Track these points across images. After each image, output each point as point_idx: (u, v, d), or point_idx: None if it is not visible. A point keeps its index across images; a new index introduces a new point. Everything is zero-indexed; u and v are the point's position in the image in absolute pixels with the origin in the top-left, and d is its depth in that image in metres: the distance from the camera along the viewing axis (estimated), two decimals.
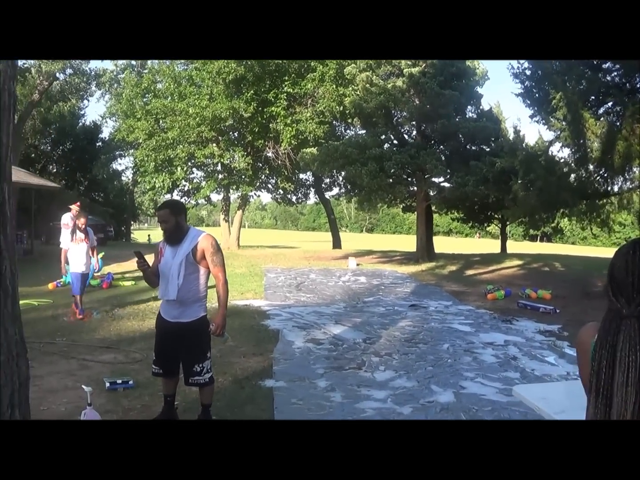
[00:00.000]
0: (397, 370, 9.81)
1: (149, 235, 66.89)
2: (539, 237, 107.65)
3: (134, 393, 8.25)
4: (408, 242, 47.35)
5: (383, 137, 33.75)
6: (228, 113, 36.96)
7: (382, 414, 7.63)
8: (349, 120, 38.90)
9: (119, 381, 8.48)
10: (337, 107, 37.90)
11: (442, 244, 51.89)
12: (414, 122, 34.21)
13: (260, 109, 38.28)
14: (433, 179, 33.52)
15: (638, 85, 20.60)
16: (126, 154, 52.22)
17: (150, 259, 6.86)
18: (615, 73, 19.46)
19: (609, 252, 52.99)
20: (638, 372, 2.19)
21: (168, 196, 43.73)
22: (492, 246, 54.36)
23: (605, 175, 19.96)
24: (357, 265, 29.22)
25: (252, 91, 37.27)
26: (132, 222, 72.26)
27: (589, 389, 2.38)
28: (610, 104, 20.95)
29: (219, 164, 41.94)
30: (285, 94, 38.26)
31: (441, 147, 34.33)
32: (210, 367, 6.85)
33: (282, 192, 47.43)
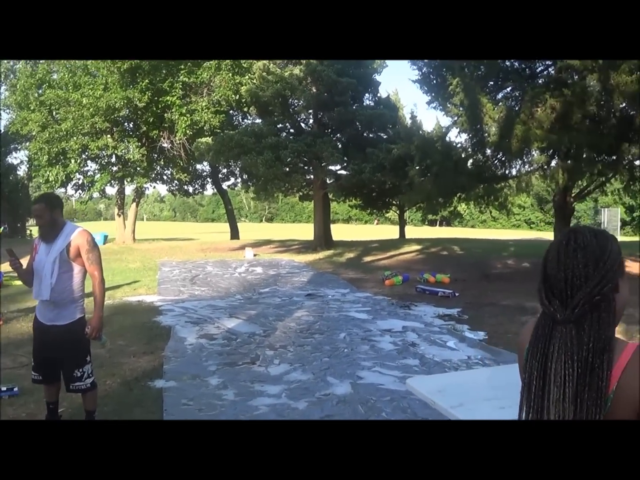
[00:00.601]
0: (292, 363, 9.47)
1: (30, 231, 64.03)
2: (438, 222, 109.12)
3: (19, 400, 7.69)
4: (307, 231, 47.31)
5: (279, 125, 33.85)
6: (122, 103, 36.09)
7: (276, 410, 7.29)
8: (245, 109, 38.55)
9: (4, 388, 7.93)
10: (233, 96, 37.40)
11: (341, 232, 52.08)
12: (310, 111, 34.20)
13: (155, 98, 37.43)
14: (330, 167, 33.74)
15: (538, 70, 20.93)
16: (20, 148, 51.08)
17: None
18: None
19: (508, 235, 54.40)
20: (575, 386, 1.92)
21: (62, 190, 42.81)
22: (391, 232, 54.69)
23: (503, 159, 20.13)
24: (254, 255, 29.17)
25: (147, 80, 36.32)
26: (27, 218, 70.28)
27: (520, 400, 2.11)
28: (509, 89, 21.18)
29: (113, 156, 40.81)
30: (180, 83, 37.53)
31: (338, 135, 34.57)
32: (92, 372, 6.42)
33: (177, 183, 46.71)
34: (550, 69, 20.07)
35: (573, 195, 22.23)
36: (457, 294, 16.49)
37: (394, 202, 41.50)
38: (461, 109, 18.71)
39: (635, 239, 62.10)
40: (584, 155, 17.70)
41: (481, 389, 4.55)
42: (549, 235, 57.15)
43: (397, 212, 46.23)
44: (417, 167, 21.47)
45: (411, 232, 51.36)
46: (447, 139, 21.72)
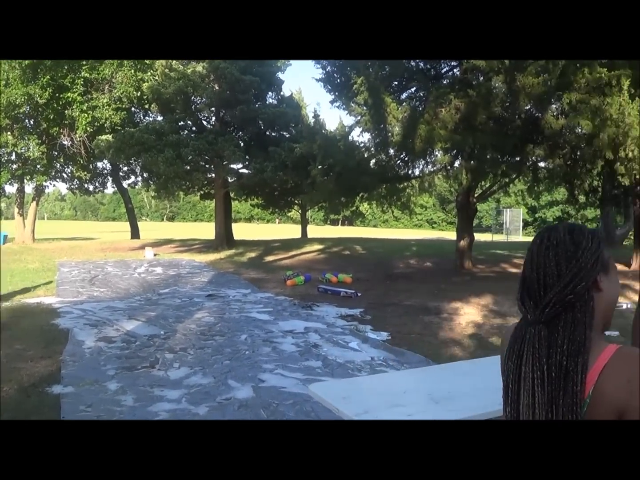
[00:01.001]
0: (192, 367, 9.23)
1: None
2: (340, 221, 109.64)
3: None
4: (208, 230, 46.98)
5: (181, 123, 33.53)
6: (23, 99, 34.99)
7: (176, 416, 7.06)
8: (147, 107, 38.04)
9: None
10: (134, 92, 36.67)
11: (243, 231, 51.95)
12: (213, 108, 34.01)
13: (56, 95, 36.31)
14: (231, 166, 33.56)
15: (443, 71, 21.08)
16: None
17: None
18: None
19: (410, 234, 55.01)
20: (545, 391, 1.84)
21: None
22: (293, 231, 54.78)
23: (406, 159, 20.15)
24: (155, 255, 28.77)
25: (48, 76, 35.22)
26: None
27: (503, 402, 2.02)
28: (413, 89, 21.24)
29: (13, 154, 39.63)
30: (82, 79, 36.53)
31: (240, 133, 34.45)
32: None
33: (78, 181, 45.62)
34: (455, 70, 20.23)
35: (476, 195, 22.45)
36: (359, 294, 16.45)
37: (296, 201, 41.49)
38: (365, 108, 18.64)
39: None
40: (488, 156, 17.82)
41: (386, 394, 4.41)
42: (450, 235, 57.78)
43: (299, 211, 46.25)
44: (320, 167, 21.39)
45: (313, 231, 51.58)
46: (350, 138, 21.72)
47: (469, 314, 13.63)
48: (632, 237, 45.65)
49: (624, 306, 13.28)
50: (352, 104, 19.19)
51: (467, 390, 4.47)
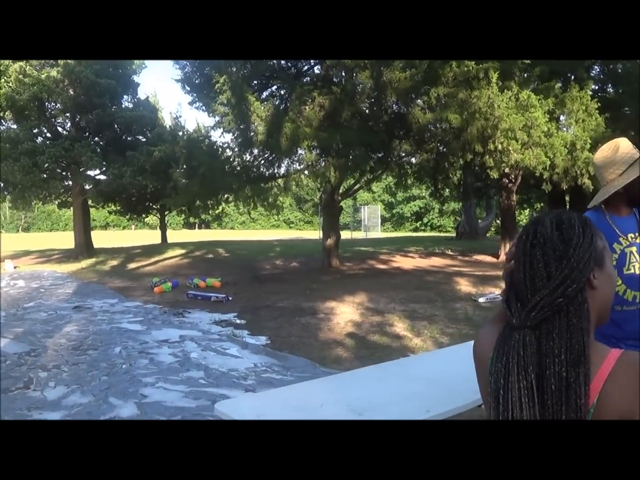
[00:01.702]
0: (69, 385, 8.63)
1: None
2: (197, 225, 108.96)
3: None
4: (66, 239, 45.82)
5: (36, 130, 32.32)
6: None
7: None
8: (1, 115, 36.71)
9: None
10: None
11: (101, 239, 50.75)
12: (68, 114, 32.93)
13: None
14: (89, 172, 32.71)
15: (304, 69, 21.09)
16: None
17: None
18: None
19: (269, 235, 54.85)
20: (544, 405, 1.63)
21: None
22: (151, 237, 54.09)
23: (271, 158, 19.98)
24: (15, 268, 27.63)
25: None
26: None
27: (488, 409, 1.78)
28: (275, 87, 21.22)
29: None
30: None
31: (97, 138, 33.62)
32: None
33: None
34: (316, 67, 20.22)
35: (340, 193, 22.49)
36: (230, 298, 16.18)
37: (154, 206, 40.91)
38: (228, 108, 18.37)
39: (395, 234, 64.52)
40: (356, 153, 17.80)
41: (304, 409, 4.16)
42: (308, 234, 58.11)
43: (158, 216, 45.58)
44: (183, 169, 21.06)
45: (172, 236, 50.92)
46: (213, 139, 21.54)
47: (345, 313, 13.51)
48: (493, 229, 47.14)
49: (500, 297, 13.47)
50: (214, 104, 18.90)
51: (387, 398, 4.24)
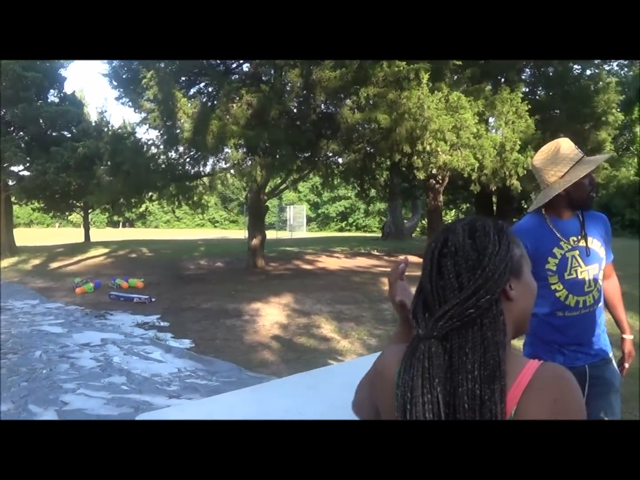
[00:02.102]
0: None
1: None
2: (121, 223, 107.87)
3: None
4: None
5: None
6: None
7: None
8: None
9: None
10: None
11: (24, 237, 49.86)
12: None
13: None
14: (12, 168, 31.83)
15: (233, 66, 20.90)
16: None
17: None
18: None
19: (194, 234, 54.47)
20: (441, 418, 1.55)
21: None
22: (74, 235, 53.20)
23: (197, 156, 19.75)
24: None
25: None
26: None
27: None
28: (203, 84, 21.05)
29: None
30: None
31: (21, 133, 32.93)
32: None
33: None
34: (245, 65, 20.07)
35: (266, 192, 22.35)
36: (153, 300, 15.89)
37: (78, 203, 40.23)
38: (154, 104, 18.07)
39: (321, 234, 64.59)
40: (283, 152, 17.66)
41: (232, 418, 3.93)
42: (233, 233, 57.92)
43: (82, 214, 44.85)
44: (107, 166, 20.73)
45: (95, 234, 50.20)
46: (139, 135, 21.25)
47: (271, 315, 13.35)
48: (419, 230, 47.47)
49: None
50: (141, 100, 18.59)
51: (318, 408, 4.06)
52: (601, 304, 3.83)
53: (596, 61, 22.86)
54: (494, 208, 25.64)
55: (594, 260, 3.74)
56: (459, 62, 16.33)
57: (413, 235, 40.41)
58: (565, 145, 3.68)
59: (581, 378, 3.63)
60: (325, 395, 4.33)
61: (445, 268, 1.62)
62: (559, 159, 3.64)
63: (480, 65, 17.37)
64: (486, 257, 1.61)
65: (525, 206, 39.76)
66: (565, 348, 3.72)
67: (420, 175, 17.00)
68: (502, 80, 20.05)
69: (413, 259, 20.28)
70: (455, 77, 17.69)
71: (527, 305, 1.74)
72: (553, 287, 3.68)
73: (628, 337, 4.05)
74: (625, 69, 47.48)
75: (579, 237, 3.70)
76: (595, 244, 3.76)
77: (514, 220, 28.26)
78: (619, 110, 22.14)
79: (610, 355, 3.88)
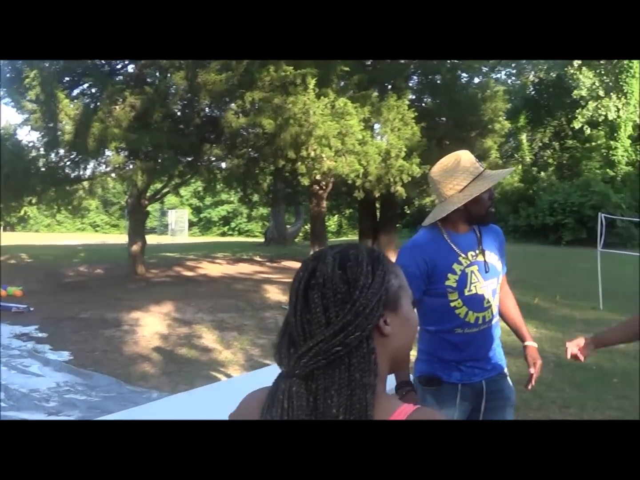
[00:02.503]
0: None
1: None
2: (2, 227, 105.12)
3: None
4: None
5: None
6: None
7: None
8: None
9: None
10: None
11: None
12: None
13: None
14: None
15: (118, 67, 20.56)
16: None
17: None
18: None
19: (74, 239, 53.18)
20: None
21: None
22: None
23: (77, 159, 19.39)
24: None
25: None
26: None
27: None
28: (86, 85, 20.52)
29: None
30: None
31: None
32: None
33: None
34: (130, 66, 19.81)
35: (147, 197, 22.11)
36: (32, 309, 15.35)
37: None
38: (36, 105, 17.67)
39: (203, 239, 64.15)
40: (165, 156, 17.51)
41: None
42: (114, 238, 57.09)
43: None
44: None
45: None
46: (20, 137, 20.71)
47: (151, 325, 13.15)
48: (301, 235, 47.55)
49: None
50: (23, 100, 18.17)
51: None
52: (497, 317, 3.85)
53: (484, 69, 23.42)
54: (377, 214, 25.86)
55: (493, 275, 3.75)
56: (346, 68, 16.52)
57: (296, 240, 40.58)
58: (465, 158, 3.62)
59: (478, 394, 3.72)
60: (208, 416, 4.36)
61: (312, 301, 1.51)
62: (459, 172, 3.56)
63: (368, 72, 17.63)
64: (357, 290, 1.50)
65: (409, 212, 40.19)
66: (462, 364, 3.70)
67: (305, 182, 17.08)
68: (389, 87, 20.35)
69: (295, 265, 20.37)
70: (342, 83, 17.88)
71: (406, 340, 1.66)
72: (452, 304, 3.65)
73: (531, 343, 3.98)
74: (513, 78, 48.72)
75: (477, 252, 3.69)
76: (493, 258, 3.78)
77: (397, 225, 28.63)
78: (505, 118, 22.74)
79: (505, 370, 3.91)
